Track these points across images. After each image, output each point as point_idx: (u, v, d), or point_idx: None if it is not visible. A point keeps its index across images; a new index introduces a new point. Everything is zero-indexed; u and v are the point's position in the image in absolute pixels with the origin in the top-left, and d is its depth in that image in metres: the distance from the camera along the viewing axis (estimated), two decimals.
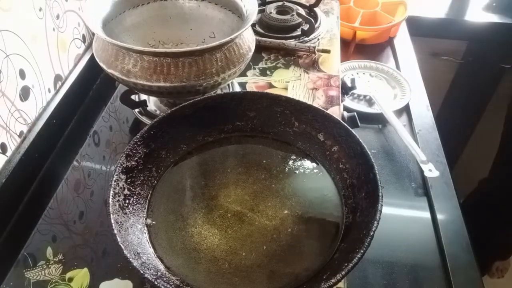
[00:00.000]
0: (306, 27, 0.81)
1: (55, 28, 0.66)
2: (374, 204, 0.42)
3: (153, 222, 0.47)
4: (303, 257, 0.45)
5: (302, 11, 0.85)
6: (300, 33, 0.81)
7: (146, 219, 0.48)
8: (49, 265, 0.47)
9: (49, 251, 0.49)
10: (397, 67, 0.98)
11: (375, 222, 0.40)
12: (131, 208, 0.46)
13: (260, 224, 0.47)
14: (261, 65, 0.76)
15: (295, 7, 0.85)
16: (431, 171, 0.70)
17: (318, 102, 0.68)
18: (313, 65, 0.76)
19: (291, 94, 0.70)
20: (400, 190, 0.71)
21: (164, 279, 0.40)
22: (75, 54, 0.73)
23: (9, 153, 0.57)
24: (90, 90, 0.76)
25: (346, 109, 0.84)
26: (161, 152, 0.52)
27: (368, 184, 0.45)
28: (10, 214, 0.55)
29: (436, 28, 1.21)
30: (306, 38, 0.80)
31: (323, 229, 0.47)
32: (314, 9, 0.87)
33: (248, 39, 0.58)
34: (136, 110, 0.65)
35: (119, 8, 0.62)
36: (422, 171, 0.72)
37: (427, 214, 0.67)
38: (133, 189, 0.47)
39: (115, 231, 0.40)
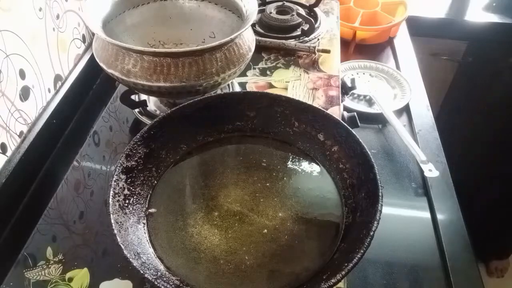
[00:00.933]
0: (306, 27, 0.81)
1: (55, 28, 0.66)
2: (374, 204, 0.42)
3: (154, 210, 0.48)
4: (303, 257, 0.45)
5: (302, 11, 0.85)
6: (300, 33, 0.81)
7: (147, 209, 0.48)
8: (49, 265, 0.47)
9: (49, 251, 0.49)
10: (397, 67, 0.98)
11: (375, 222, 0.40)
12: (131, 208, 0.46)
13: (260, 224, 0.47)
14: (261, 65, 0.76)
15: (295, 7, 0.85)
16: (431, 171, 0.70)
17: (318, 102, 0.68)
18: (313, 65, 0.76)
19: (291, 94, 0.70)
20: (400, 190, 0.71)
21: (164, 279, 0.40)
22: (75, 54, 0.73)
23: (9, 153, 0.57)
24: (90, 90, 0.76)
25: (346, 109, 0.84)
26: (161, 152, 0.52)
27: (368, 184, 0.45)
28: (10, 214, 0.55)
29: (436, 28, 1.21)
30: (306, 38, 0.80)
31: (323, 229, 0.47)
32: (314, 9, 0.87)
33: (248, 39, 0.58)
34: (136, 110, 0.65)
35: (119, 8, 0.62)
36: (422, 171, 0.72)
37: (427, 214, 0.67)
38: (133, 189, 0.47)
39: (115, 231, 0.40)
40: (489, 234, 1.18)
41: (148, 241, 0.45)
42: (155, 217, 0.48)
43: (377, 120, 0.84)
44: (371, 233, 0.39)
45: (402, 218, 0.68)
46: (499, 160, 1.20)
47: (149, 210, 0.48)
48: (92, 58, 0.65)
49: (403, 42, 1.07)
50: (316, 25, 0.82)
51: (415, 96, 0.89)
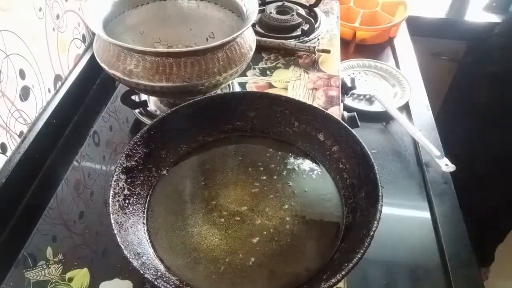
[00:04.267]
0: (306, 27, 0.81)
1: (55, 28, 0.66)
2: (374, 204, 0.42)
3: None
4: (303, 257, 0.45)
5: (302, 11, 0.85)
6: (300, 33, 0.81)
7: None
8: (49, 265, 0.47)
9: (49, 251, 0.49)
10: (397, 67, 0.98)
11: (375, 222, 0.40)
12: (131, 208, 0.46)
13: (260, 224, 0.47)
14: (261, 65, 0.76)
15: (295, 7, 0.85)
16: (447, 166, 0.68)
17: (318, 102, 0.68)
18: (313, 65, 0.76)
19: (291, 94, 0.70)
20: (400, 190, 0.71)
21: (164, 279, 0.40)
22: (75, 54, 0.73)
23: (9, 153, 0.57)
24: (90, 90, 0.76)
25: (347, 109, 0.84)
26: (161, 152, 0.52)
27: (368, 184, 0.45)
28: (10, 214, 0.55)
29: (436, 28, 1.21)
30: (306, 38, 0.80)
31: (323, 229, 0.47)
32: (314, 9, 0.87)
33: (249, 38, 0.58)
34: (137, 110, 0.65)
35: (119, 9, 0.62)
36: (422, 171, 0.72)
37: (427, 214, 0.67)
38: (133, 189, 0.47)
39: (115, 231, 0.40)
40: (490, 223, 1.18)
41: (148, 241, 0.45)
42: (155, 217, 0.48)
43: (378, 119, 0.84)
44: (371, 233, 0.39)
45: (402, 218, 0.68)
46: (500, 160, 1.19)
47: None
48: (92, 58, 0.65)
49: (403, 42, 1.07)
50: (316, 25, 0.82)
51: (415, 96, 0.89)
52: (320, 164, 0.53)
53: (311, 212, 0.48)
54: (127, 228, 0.43)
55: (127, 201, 0.45)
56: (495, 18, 1.18)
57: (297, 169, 0.53)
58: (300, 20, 0.83)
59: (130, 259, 0.38)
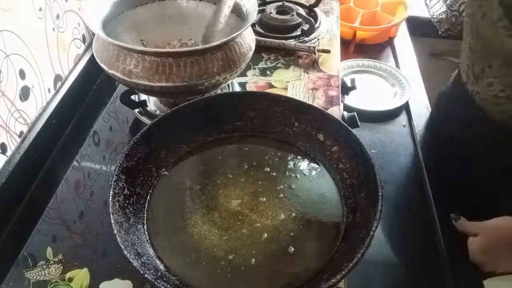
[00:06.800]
0: (306, 27, 0.81)
1: (55, 28, 0.66)
2: (374, 204, 0.42)
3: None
4: (303, 257, 0.45)
5: (302, 11, 0.85)
6: (300, 33, 0.81)
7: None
8: (49, 265, 0.47)
9: (49, 251, 0.49)
10: (397, 66, 0.99)
11: (375, 222, 0.40)
12: (131, 208, 0.46)
13: (260, 224, 0.47)
14: (261, 65, 0.76)
15: (295, 7, 0.85)
16: None
17: (318, 102, 0.68)
18: (313, 65, 0.76)
19: (291, 94, 0.70)
20: (399, 190, 0.71)
21: (164, 279, 0.40)
22: (75, 54, 0.73)
23: (9, 153, 0.57)
24: (90, 90, 0.76)
25: (346, 109, 0.84)
26: (161, 152, 0.52)
27: (368, 184, 0.45)
28: (10, 214, 0.55)
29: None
30: (306, 38, 0.80)
31: (323, 229, 0.47)
32: (314, 9, 0.87)
33: (248, 38, 0.58)
34: (136, 110, 0.65)
35: (118, 9, 0.62)
36: (421, 171, 0.71)
37: (426, 214, 0.67)
38: (133, 189, 0.47)
39: (115, 231, 0.40)
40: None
41: (148, 241, 0.45)
42: (155, 217, 0.48)
43: (378, 120, 0.84)
44: (371, 233, 0.39)
45: (402, 217, 0.68)
46: (499, 160, 1.19)
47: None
48: (92, 58, 0.65)
49: (403, 42, 1.07)
50: (316, 25, 0.82)
51: (414, 96, 0.89)
52: (320, 164, 0.53)
53: (311, 212, 0.48)
54: (127, 228, 0.43)
55: (127, 201, 0.45)
56: None
57: (297, 169, 0.53)
58: (300, 20, 0.83)
59: (130, 259, 0.38)
